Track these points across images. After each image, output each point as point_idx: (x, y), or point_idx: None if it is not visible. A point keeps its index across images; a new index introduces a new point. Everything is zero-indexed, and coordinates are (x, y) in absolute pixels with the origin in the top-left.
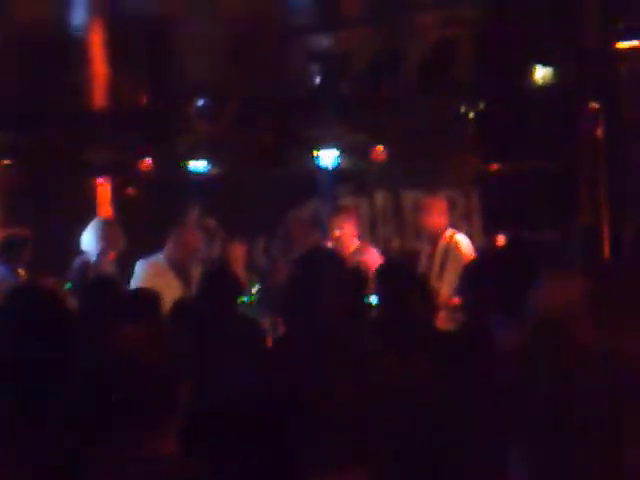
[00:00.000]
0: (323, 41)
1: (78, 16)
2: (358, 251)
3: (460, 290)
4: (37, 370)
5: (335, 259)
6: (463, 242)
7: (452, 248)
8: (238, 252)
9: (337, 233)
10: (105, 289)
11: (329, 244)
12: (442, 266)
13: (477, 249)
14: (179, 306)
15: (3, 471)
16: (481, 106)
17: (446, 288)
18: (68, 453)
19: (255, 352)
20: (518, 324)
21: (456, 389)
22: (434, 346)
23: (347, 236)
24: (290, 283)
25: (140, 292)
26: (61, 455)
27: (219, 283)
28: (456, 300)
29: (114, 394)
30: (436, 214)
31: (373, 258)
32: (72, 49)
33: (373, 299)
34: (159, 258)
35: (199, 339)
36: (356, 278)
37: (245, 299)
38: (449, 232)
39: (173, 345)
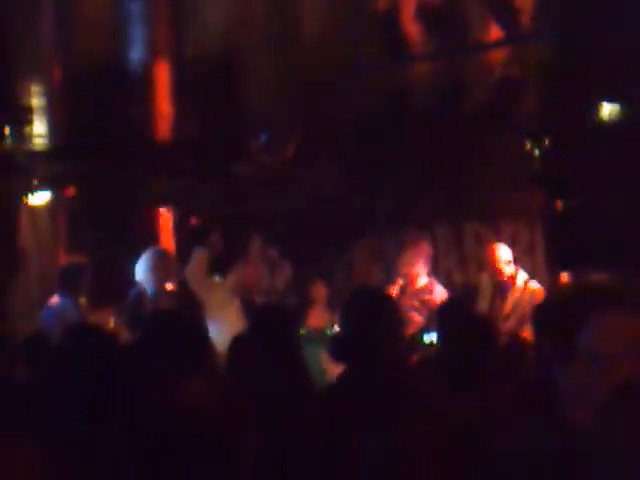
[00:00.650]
0: (388, 76)
1: (144, 50)
2: (425, 289)
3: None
4: (85, 411)
5: (379, 302)
6: (538, 291)
7: (526, 298)
8: (320, 291)
9: (406, 270)
10: (158, 326)
11: (399, 280)
12: (514, 313)
13: (541, 286)
14: (237, 342)
15: None
16: (546, 142)
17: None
18: None
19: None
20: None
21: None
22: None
23: (416, 273)
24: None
25: (190, 332)
26: None
27: (269, 319)
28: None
29: (177, 448)
30: (501, 260)
31: (439, 296)
32: (138, 82)
33: (434, 337)
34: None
35: (254, 384)
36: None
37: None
38: (522, 277)
39: (231, 395)
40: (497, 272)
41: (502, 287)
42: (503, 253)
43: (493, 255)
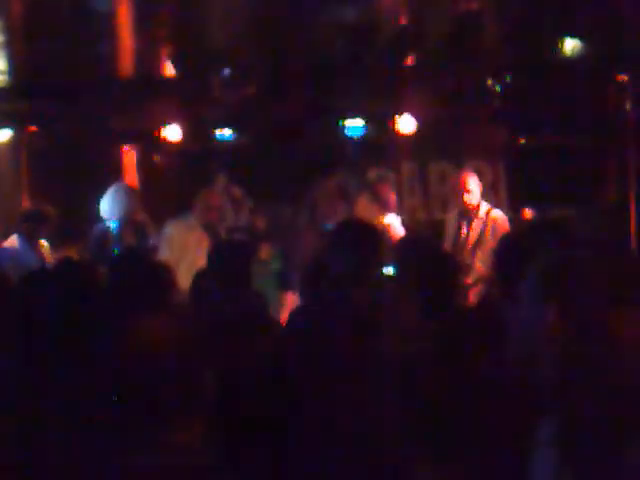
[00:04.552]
0: (350, 11)
1: None
2: (386, 228)
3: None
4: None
5: (374, 233)
6: (500, 219)
7: (489, 225)
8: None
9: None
10: (128, 264)
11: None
12: (479, 242)
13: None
14: (198, 279)
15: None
16: (507, 79)
17: (481, 263)
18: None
19: (269, 331)
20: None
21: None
22: (444, 320)
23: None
24: (323, 256)
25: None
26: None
27: (232, 257)
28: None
29: (137, 386)
30: (468, 188)
31: (398, 234)
32: (100, 19)
33: (392, 270)
34: (189, 218)
35: (215, 320)
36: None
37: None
38: (485, 208)
39: (193, 332)
40: (463, 200)
41: (467, 216)
42: (469, 181)
43: (459, 182)
